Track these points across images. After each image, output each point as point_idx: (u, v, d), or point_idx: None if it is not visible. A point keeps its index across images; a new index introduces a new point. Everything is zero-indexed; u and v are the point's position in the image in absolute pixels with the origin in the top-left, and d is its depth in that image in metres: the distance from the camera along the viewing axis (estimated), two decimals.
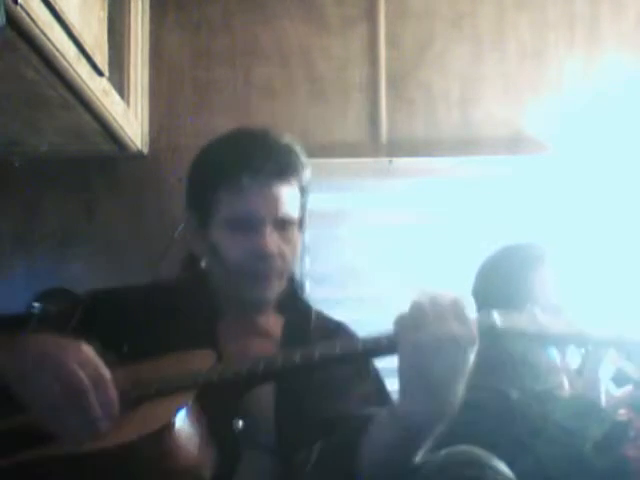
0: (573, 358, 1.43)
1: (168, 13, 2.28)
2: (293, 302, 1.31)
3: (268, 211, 1.20)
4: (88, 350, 0.98)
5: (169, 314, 1.19)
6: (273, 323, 1.28)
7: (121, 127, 2.00)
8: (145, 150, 2.22)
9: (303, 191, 1.27)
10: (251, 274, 1.19)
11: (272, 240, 1.19)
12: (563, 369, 1.44)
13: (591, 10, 2.31)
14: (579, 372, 1.43)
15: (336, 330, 1.31)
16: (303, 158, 1.26)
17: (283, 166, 1.22)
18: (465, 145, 2.25)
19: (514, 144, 2.24)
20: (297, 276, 1.36)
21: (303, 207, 1.29)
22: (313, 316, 1.31)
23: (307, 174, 1.27)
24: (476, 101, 2.28)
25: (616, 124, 2.21)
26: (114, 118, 1.93)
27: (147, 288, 1.36)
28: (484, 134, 2.26)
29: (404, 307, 1.02)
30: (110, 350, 1.05)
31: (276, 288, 1.23)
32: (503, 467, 0.99)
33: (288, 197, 1.22)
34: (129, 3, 2.11)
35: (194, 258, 1.31)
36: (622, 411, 1.39)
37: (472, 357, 0.98)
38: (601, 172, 2.17)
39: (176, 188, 2.18)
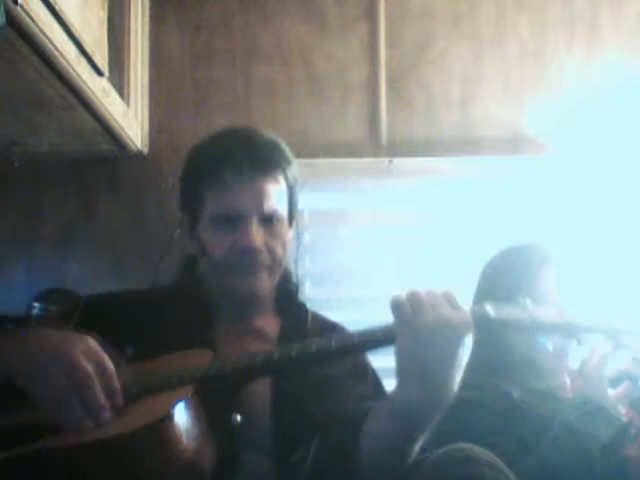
0: (574, 358, 1.43)
1: (168, 13, 2.28)
2: (289, 303, 1.32)
3: (252, 206, 1.20)
4: (93, 342, 1.00)
5: (167, 318, 1.20)
6: (269, 325, 1.29)
7: (121, 127, 2.00)
8: (145, 150, 2.22)
9: (290, 186, 1.28)
10: (238, 268, 1.20)
11: (258, 234, 1.20)
12: (565, 369, 1.44)
13: (591, 10, 2.31)
14: (580, 372, 1.43)
15: (332, 331, 1.31)
16: (288, 154, 1.27)
17: (266, 161, 1.23)
18: (465, 145, 2.25)
19: (514, 144, 2.24)
20: (293, 276, 1.37)
21: (291, 202, 1.30)
22: (309, 317, 1.32)
23: (293, 169, 1.28)
24: (476, 101, 2.28)
25: (616, 124, 2.21)
26: (114, 118, 1.93)
27: (145, 292, 1.38)
28: (484, 134, 2.26)
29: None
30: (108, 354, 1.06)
31: (266, 283, 1.24)
32: (502, 465, 0.99)
33: (273, 192, 1.23)
34: (129, 3, 2.11)
35: (192, 260, 1.32)
36: (623, 410, 1.39)
37: (467, 345, 0.98)
38: (601, 172, 2.16)
39: (176, 188, 2.18)
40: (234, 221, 1.20)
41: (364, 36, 2.29)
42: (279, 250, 1.24)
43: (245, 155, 1.21)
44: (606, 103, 2.24)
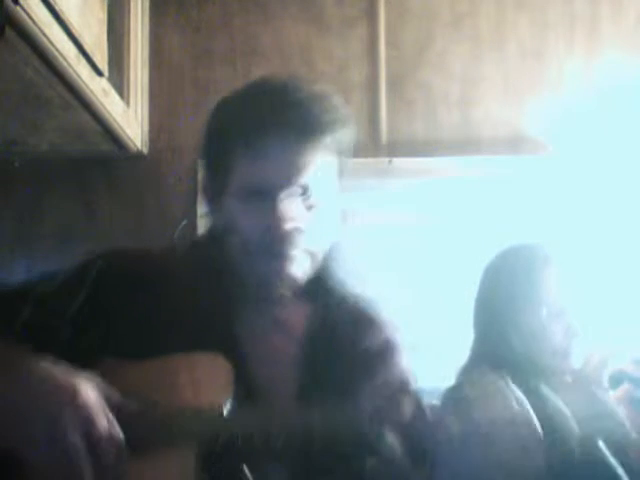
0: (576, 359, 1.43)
1: (168, 13, 2.28)
2: (320, 288, 1.15)
3: (286, 179, 1.02)
4: (92, 406, 0.88)
5: (185, 292, 1.06)
6: (297, 313, 1.13)
7: (121, 127, 2.00)
8: (145, 150, 2.22)
9: (339, 151, 1.11)
10: (265, 250, 1.03)
11: (291, 212, 1.02)
12: (566, 369, 1.43)
13: (591, 10, 2.31)
14: (581, 373, 1.43)
15: (365, 328, 1.17)
16: (335, 114, 1.07)
17: (307, 125, 1.03)
18: (465, 145, 2.25)
19: (514, 144, 2.24)
20: (329, 256, 1.16)
21: (341, 170, 1.13)
22: (342, 307, 1.17)
23: (343, 133, 1.09)
24: (476, 101, 2.28)
25: (616, 124, 2.21)
26: (114, 118, 1.93)
27: (164, 257, 1.16)
28: (484, 134, 2.26)
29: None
30: (119, 331, 0.99)
31: (302, 266, 1.06)
32: None
33: (314, 161, 1.04)
34: (129, 3, 2.11)
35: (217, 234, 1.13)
36: (623, 411, 1.39)
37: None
38: (601, 172, 2.17)
39: (176, 188, 2.19)
40: (262, 196, 1.02)
41: (364, 36, 2.29)
42: (320, 229, 1.07)
43: (281, 119, 1.01)
44: (606, 103, 2.24)
